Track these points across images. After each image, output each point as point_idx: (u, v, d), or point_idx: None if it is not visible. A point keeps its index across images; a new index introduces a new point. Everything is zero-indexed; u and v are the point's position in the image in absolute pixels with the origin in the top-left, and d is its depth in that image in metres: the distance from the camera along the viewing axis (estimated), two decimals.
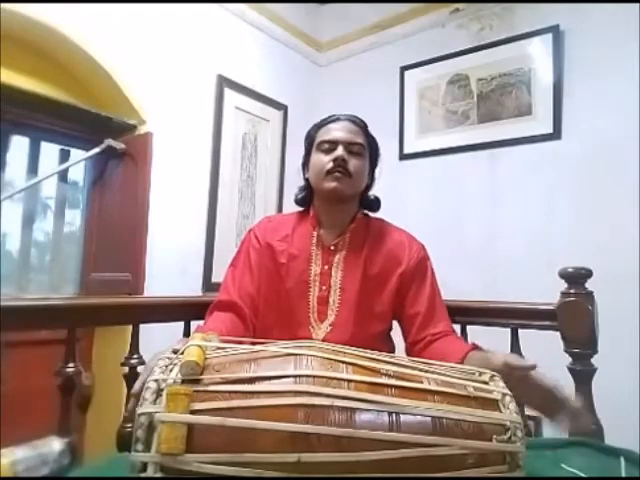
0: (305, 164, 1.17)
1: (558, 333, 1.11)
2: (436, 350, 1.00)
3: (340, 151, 1.05)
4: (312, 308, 1.07)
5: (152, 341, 1.04)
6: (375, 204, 1.20)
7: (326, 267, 1.09)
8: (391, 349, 1.14)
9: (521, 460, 0.57)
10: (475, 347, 0.95)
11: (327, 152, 1.07)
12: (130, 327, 1.22)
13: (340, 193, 1.07)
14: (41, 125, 2.10)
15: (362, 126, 1.13)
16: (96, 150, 2.09)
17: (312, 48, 3.03)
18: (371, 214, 1.21)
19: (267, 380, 0.58)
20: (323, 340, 1.01)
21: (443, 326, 1.06)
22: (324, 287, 1.08)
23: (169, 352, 0.64)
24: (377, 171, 1.18)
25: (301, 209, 1.21)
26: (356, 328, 1.05)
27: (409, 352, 1.09)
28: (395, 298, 1.09)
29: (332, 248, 1.10)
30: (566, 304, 1.09)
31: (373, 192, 1.21)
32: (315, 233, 1.12)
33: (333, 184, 1.05)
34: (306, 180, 1.17)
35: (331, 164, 1.05)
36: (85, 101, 2.11)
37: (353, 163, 1.06)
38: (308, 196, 1.18)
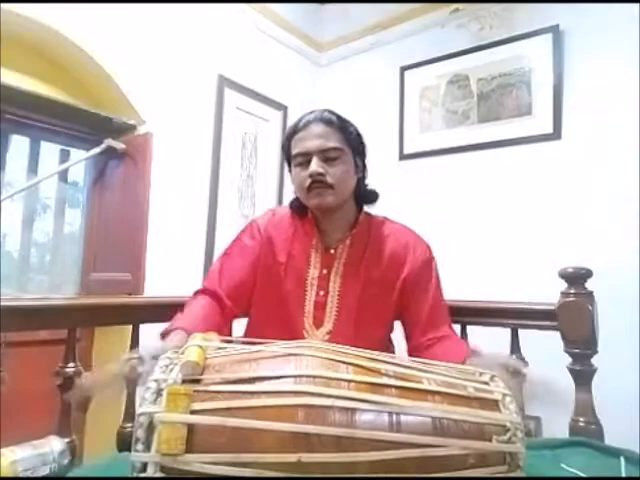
0: (291, 172, 1.11)
1: (558, 333, 1.11)
2: (436, 354, 0.96)
3: (314, 165, 0.98)
4: (308, 313, 1.04)
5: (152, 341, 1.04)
6: (372, 196, 1.12)
7: (325, 271, 1.05)
8: (391, 352, 1.12)
9: (521, 460, 0.57)
10: (473, 353, 0.93)
11: (303, 166, 1.01)
12: (130, 327, 1.22)
13: (326, 206, 1.01)
14: (41, 125, 2.10)
15: (335, 122, 1.02)
16: (96, 150, 2.09)
17: (312, 48, 3.03)
18: (373, 213, 1.16)
19: (267, 380, 0.58)
20: None
21: (444, 330, 1.04)
22: (322, 292, 1.04)
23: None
24: (367, 160, 1.10)
25: None
26: (356, 335, 1.01)
27: (410, 354, 1.07)
28: (398, 302, 1.06)
29: (332, 252, 1.07)
30: (566, 304, 1.09)
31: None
32: (315, 236, 1.08)
33: (316, 200, 1.00)
34: None
35: (309, 180, 0.99)
36: (85, 101, 2.11)
37: (332, 172, 0.99)
38: (302, 203, 1.11)
